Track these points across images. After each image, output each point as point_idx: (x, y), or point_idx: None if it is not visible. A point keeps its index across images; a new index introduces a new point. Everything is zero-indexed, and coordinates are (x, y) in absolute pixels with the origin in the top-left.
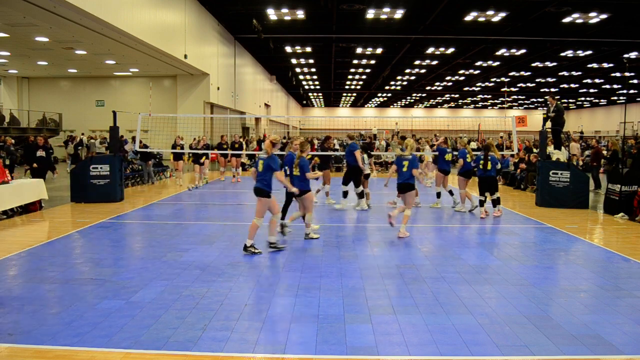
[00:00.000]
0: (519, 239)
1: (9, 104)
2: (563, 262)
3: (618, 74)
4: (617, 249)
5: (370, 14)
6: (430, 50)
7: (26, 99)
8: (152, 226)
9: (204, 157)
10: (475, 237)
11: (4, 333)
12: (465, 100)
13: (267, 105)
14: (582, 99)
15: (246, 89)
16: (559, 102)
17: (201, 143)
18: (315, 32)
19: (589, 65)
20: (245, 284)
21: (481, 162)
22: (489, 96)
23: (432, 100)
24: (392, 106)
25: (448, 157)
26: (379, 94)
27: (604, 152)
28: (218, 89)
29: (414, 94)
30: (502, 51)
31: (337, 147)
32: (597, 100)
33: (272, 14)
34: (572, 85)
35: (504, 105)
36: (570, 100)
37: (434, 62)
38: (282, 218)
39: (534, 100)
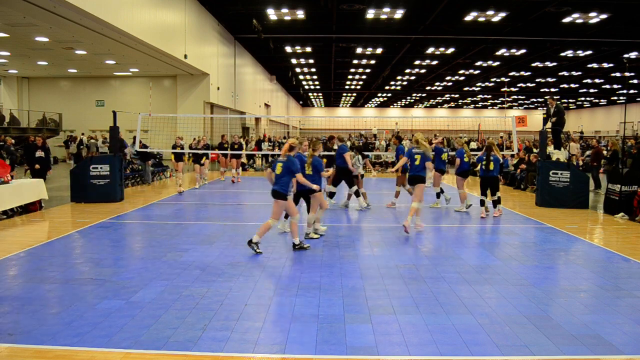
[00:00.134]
0: (519, 239)
1: (9, 104)
2: (563, 262)
3: (618, 74)
4: (617, 249)
5: (370, 14)
6: (430, 50)
7: (26, 99)
8: (152, 226)
9: (204, 158)
10: (475, 237)
11: (4, 333)
12: (465, 100)
13: (267, 105)
14: (582, 99)
15: (246, 89)
16: (558, 103)
17: (201, 143)
18: (315, 32)
19: (589, 65)
20: (245, 284)
21: (483, 162)
22: (489, 96)
23: (432, 100)
24: (392, 106)
25: (444, 156)
26: (379, 94)
27: (604, 152)
28: (218, 89)
29: (414, 94)
30: (502, 51)
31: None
32: (597, 100)
33: (272, 14)
34: (572, 85)
35: (504, 105)
36: (570, 100)
37: (434, 62)
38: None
39: (534, 100)
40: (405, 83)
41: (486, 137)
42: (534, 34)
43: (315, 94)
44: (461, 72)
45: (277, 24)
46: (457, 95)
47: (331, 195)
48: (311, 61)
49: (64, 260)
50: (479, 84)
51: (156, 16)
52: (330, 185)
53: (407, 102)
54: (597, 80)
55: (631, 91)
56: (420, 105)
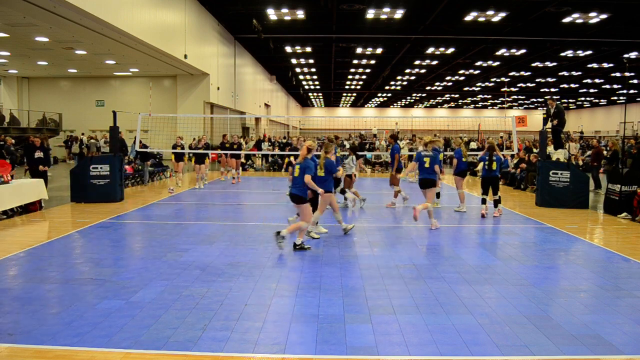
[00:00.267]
0: (519, 239)
1: (9, 104)
2: (563, 262)
3: (618, 74)
4: (617, 249)
5: (370, 14)
6: (430, 50)
7: (26, 99)
8: (152, 226)
9: (205, 157)
10: (475, 237)
11: (4, 333)
12: (465, 100)
13: (267, 105)
14: (582, 99)
15: (246, 89)
16: (558, 103)
17: (201, 142)
18: (315, 32)
19: (589, 65)
20: (245, 284)
21: (486, 162)
22: (489, 96)
23: (432, 100)
24: (392, 106)
25: (440, 156)
26: (379, 94)
27: (604, 152)
28: (218, 89)
29: (414, 94)
30: (502, 51)
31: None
32: (597, 100)
33: (272, 14)
34: (572, 85)
35: (504, 105)
36: (570, 100)
37: (434, 62)
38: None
39: (534, 100)
40: (405, 83)
41: (486, 137)
42: (534, 34)
43: (315, 94)
44: (461, 72)
45: (277, 24)
46: (457, 95)
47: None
48: (311, 61)
49: (64, 260)
50: (479, 84)
51: (156, 16)
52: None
53: (407, 102)
54: (597, 80)
55: (631, 91)
56: (420, 105)
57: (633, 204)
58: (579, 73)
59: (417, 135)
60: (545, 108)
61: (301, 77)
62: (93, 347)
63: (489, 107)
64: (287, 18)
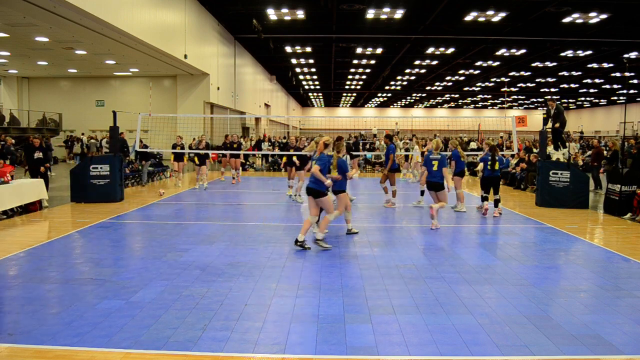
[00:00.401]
0: (519, 239)
1: (9, 104)
2: (563, 262)
3: (618, 74)
4: (617, 249)
5: (370, 14)
6: (430, 50)
7: (26, 99)
8: (152, 226)
9: (206, 158)
10: (475, 237)
11: (4, 333)
12: (465, 100)
13: (267, 105)
14: (582, 99)
15: (246, 89)
16: (558, 104)
17: (202, 144)
18: (315, 32)
19: (589, 65)
20: (245, 284)
21: (489, 162)
22: (489, 96)
23: (432, 100)
24: (392, 106)
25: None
26: (379, 94)
27: (605, 152)
28: (218, 89)
29: (414, 94)
30: (502, 51)
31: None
32: (597, 100)
33: (272, 14)
34: (572, 85)
35: (504, 105)
36: (570, 100)
37: (434, 62)
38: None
39: (534, 100)
40: (405, 83)
41: (486, 137)
42: (534, 34)
43: (315, 94)
44: (461, 72)
45: (277, 24)
46: (457, 95)
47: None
48: (311, 61)
49: (64, 260)
50: (479, 84)
51: (156, 16)
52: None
53: (407, 102)
54: (597, 80)
55: (631, 91)
56: (420, 105)
57: (633, 204)
58: (579, 73)
59: (416, 135)
60: (545, 108)
61: (301, 77)
62: (93, 347)
63: (489, 107)
64: (287, 18)
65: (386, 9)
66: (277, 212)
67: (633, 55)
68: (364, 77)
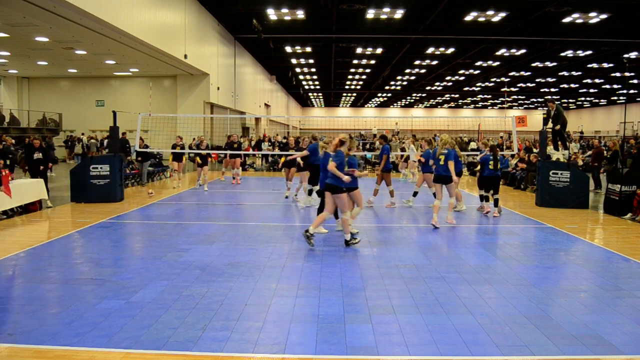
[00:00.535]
0: (519, 239)
1: (9, 104)
2: (563, 262)
3: (618, 74)
4: (617, 249)
5: (370, 14)
6: (430, 50)
7: (26, 99)
8: (152, 226)
9: (208, 159)
10: (475, 237)
11: (4, 333)
12: (465, 100)
13: (267, 105)
14: (582, 99)
15: (246, 89)
16: (558, 104)
17: (203, 144)
18: (315, 32)
19: (589, 65)
20: (245, 284)
21: (490, 162)
22: (489, 96)
23: (432, 100)
24: (392, 106)
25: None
26: (379, 94)
27: (605, 153)
28: (218, 89)
29: (414, 94)
30: (502, 51)
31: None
32: (597, 100)
33: (272, 14)
34: (572, 85)
35: (504, 105)
36: (570, 100)
37: (434, 62)
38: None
39: (534, 100)
40: (405, 83)
41: (486, 137)
42: (534, 34)
43: (315, 94)
44: (461, 72)
45: (277, 24)
46: (457, 95)
47: (310, 192)
48: (311, 61)
49: (64, 260)
50: (479, 84)
51: (156, 16)
52: (307, 183)
53: (407, 102)
54: (597, 80)
55: (631, 91)
56: (420, 105)
57: (633, 204)
58: (579, 73)
59: (416, 135)
60: (545, 108)
61: (301, 77)
62: (93, 347)
63: (489, 107)
64: (287, 18)
65: (386, 9)
66: (277, 212)
67: (633, 55)
68: (364, 77)
